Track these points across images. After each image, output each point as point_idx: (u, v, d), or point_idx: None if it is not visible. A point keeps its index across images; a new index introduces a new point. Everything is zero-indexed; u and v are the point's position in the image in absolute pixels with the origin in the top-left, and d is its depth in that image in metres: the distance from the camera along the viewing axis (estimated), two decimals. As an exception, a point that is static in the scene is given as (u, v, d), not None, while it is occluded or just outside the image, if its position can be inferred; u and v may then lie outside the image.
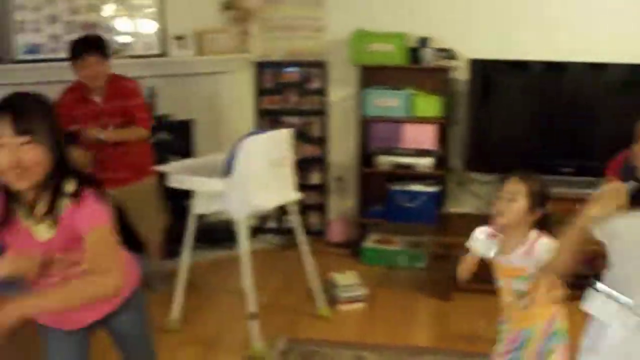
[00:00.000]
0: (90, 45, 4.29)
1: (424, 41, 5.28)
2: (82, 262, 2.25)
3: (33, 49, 5.00)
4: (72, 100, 4.38)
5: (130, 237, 4.30)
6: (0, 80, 4.79)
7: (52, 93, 4.96)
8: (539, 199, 2.87)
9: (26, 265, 2.18)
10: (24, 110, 2.10)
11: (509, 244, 2.90)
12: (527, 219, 2.85)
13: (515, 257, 2.87)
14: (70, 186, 2.19)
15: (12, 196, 2.19)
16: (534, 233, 2.86)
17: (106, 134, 4.39)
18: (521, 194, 2.83)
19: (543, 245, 2.79)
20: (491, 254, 2.95)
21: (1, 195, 2.21)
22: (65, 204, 2.19)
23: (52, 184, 2.17)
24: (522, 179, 2.87)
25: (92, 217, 2.20)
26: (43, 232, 2.20)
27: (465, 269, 3.04)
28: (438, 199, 5.35)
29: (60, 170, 2.18)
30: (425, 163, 5.28)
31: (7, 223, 2.21)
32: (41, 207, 2.19)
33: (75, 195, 2.19)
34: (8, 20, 4.90)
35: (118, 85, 4.46)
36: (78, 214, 2.18)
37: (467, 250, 3.08)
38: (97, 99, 4.43)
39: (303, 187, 4.97)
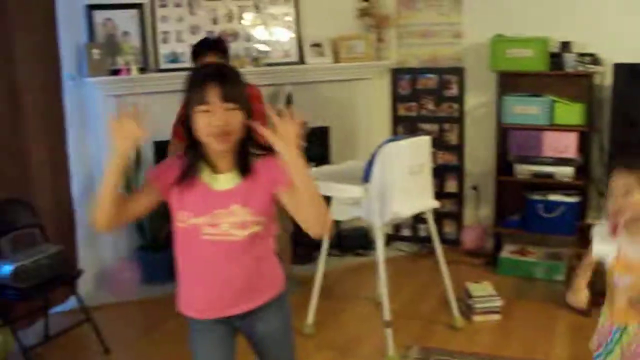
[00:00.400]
0: (209, 46, 4.47)
1: (565, 46, 5.13)
2: (249, 226, 2.35)
3: (175, 58, 5.19)
4: None
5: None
6: (145, 88, 5.01)
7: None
8: None
9: None
10: (232, 80, 2.31)
11: (637, 237, 2.65)
12: None
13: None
14: (256, 149, 2.39)
15: (196, 156, 2.35)
16: None
17: None
18: (634, 185, 2.60)
19: None
20: (614, 254, 2.71)
21: (181, 159, 2.38)
22: (254, 162, 2.36)
23: (242, 146, 2.35)
24: (629, 169, 2.62)
25: (281, 179, 2.31)
26: (225, 182, 2.35)
27: (582, 281, 2.87)
28: (578, 210, 5.17)
29: (249, 135, 2.35)
30: (565, 172, 5.12)
31: (186, 180, 2.35)
32: (227, 163, 2.36)
33: (264, 154, 2.37)
34: (154, 31, 5.11)
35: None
36: (275, 169, 2.32)
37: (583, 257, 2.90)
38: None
39: (438, 194, 4.93)
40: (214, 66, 2.40)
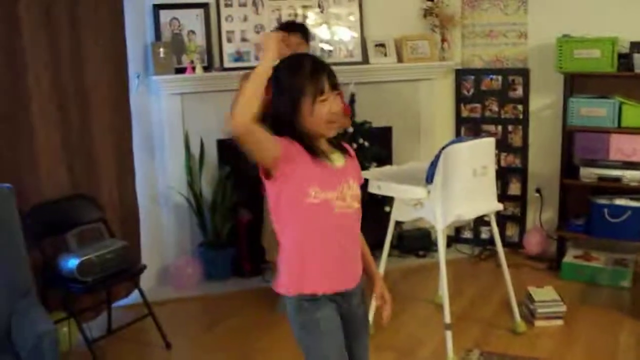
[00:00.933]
0: (294, 26, 4.58)
1: (635, 46, 5.00)
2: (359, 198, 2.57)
3: (240, 56, 5.24)
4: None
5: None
6: (210, 87, 5.06)
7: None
8: None
9: None
10: (332, 69, 2.47)
11: None
12: None
13: None
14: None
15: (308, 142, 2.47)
16: None
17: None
18: None
19: None
20: None
21: (296, 143, 2.46)
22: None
23: None
24: None
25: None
26: (337, 160, 2.52)
27: None
28: (646, 215, 5.06)
29: None
30: (633, 176, 5.00)
31: (315, 157, 2.46)
32: (323, 144, 2.51)
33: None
34: (219, 30, 5.16)
35: None
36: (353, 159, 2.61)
37: None
38: None
39: (501, 197, 4.87)
40: (312, 56, 2.57)
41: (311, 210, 2.44)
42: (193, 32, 5.11)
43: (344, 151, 2.58)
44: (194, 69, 5.01)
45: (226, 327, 4.58)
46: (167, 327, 4.35)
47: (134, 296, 4.52)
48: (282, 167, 2.38)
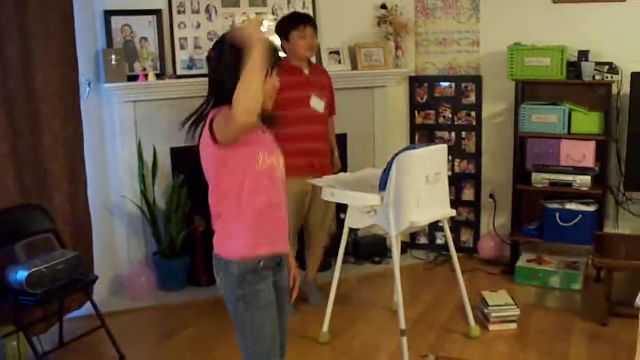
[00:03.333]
0: (309, 18, 4.65)
1: (583, 55, 5.10)
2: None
3: (193, 64, 5.21)
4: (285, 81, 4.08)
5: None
6: (162, 95, 5.03)
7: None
8: None
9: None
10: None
11: None
12: None
13: None
14: None
15: None
16: None
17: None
18: None
19: None
20: None
21: None
22: None
23: None
24: None
25: None
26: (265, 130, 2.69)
27: None
28: (596, 219, 5.14)
29: None
30: (583, 181, 5.09)
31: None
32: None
33: None
34: (172, 38, 5.14)
35: (317, 65, 4.91)
36: None
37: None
38: (305, 71, 4.68)
39: (455, 203, 4.91)
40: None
41: (257, 175, 2.55)
42: (145, 39, 5.07)
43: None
44: (146, 76, 4.96)
45: (182, 338, 4.54)
46: (121, 339, 4.28)
47: (87, 308, 4.44)
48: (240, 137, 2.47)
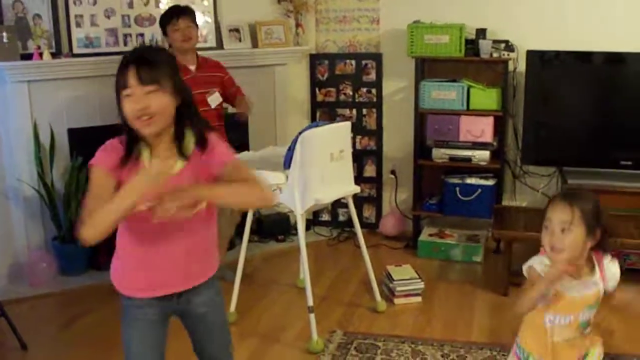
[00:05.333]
0: (183, 10, 4.65)
1: (481, 33, 5.21)
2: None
3: (90, 42, 5.06)
4: None
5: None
6: (59, 74, 4.87)
7: (109, 86, 5.06)
8: (594, 217, 2.45)
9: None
10: (150, 62, 2.26)
11: (578, 274, 2.50)
12: (587, 244, 2.46)
13: (589, 284, 2.51)
14: (194, 130, 2.38)
15: (137, 140, 2.32)
16: (598, 254, 2.53)
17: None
18: (575, 222, 2.41)
19: (610, 265, 2.53)
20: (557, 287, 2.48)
21: (123, 141, 2.34)
22: (192, 146, 2.36)
23: (178, 128, 2.35)
24: (570, 203, 2.43)
25: (223, 155, 2.39)
26: (170, 167, 2.34)
27: (528, 302, 2.50)
28: (494, 193, 5.29)
29: (185, 116, 2.35)
30: (481, 156, 5.22)
31: (129, 163, 2.32)
32: (166, 148, 2.34)
33: (202, 138, 2.38)
34: (67, 15, 4.97)
35: (207, 59, 4.80)
36: (207, 155, 2.36)
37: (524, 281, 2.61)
38: (191, 67, 4.65)
39: (357, 179, 4.95)
40: (134, 49, 2.35)
41: (129, 218, 2.30)
42: (39, 15, 4.86)
43: (185, 156, 2.34)
44: (41, 55, 4.78)
45: (85, 323, 4.43)
46: (22, 327, 4.14)
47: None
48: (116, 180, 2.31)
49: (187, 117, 2.36)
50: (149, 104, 2.23)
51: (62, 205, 4.98)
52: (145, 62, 2.25)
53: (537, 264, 2.53)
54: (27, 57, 4.78)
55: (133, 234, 2.42)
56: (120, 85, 2.24)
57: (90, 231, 2.19)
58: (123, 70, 2.23)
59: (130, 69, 2.23)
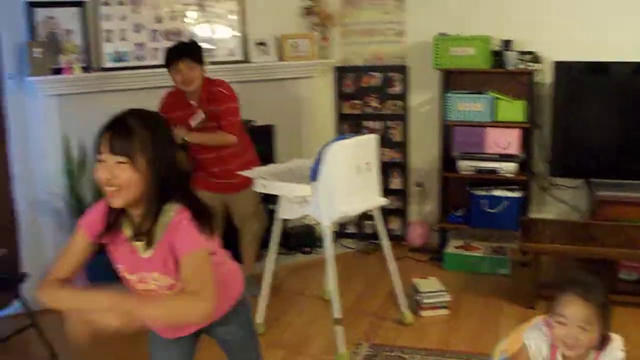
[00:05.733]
0: (182, 52, 4.41)
1: (507, 44, 5.22)
2: (176, 287, 2.26)
3: (119, 57, 5.13)
4: (171, 103, 4.52)
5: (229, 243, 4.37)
6: (88, 88, 4.93)
7: (137, 100, 5.11)
8: (606, 314, 2.34)
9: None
10: (125, 131, 2.12)
11: None
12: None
13: None
14: (170, 210, 2.21)
15: (120, 210, 2.23)
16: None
17: (190, 136, 4.41)
18: (592, 322, 2.31)
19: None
20: None
21: (101, 208, 2.27)
22: (163, 228, 2.20)
23: (152, 207, 2.19)
24: (587, 299, 2.31)
25: (188, 241, 2.18)
26: (142, 250, 2.24)
27: None
28: (521, 205, 5.27)
29: (162, 193, 2.18)
30: (508, 168, 5.21)
31: (112, 233, 2.26)
32: (142, 227, 2.22)
33: (174, 219, 2.20)
34: (97, 30, 5.04)
35: (213, 90, 4.51)
36: (175, 237, 2.18)
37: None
38: (193, 103, 4.53)
39: (383, 191, 4.95)
40: (118, 114, 2.19)
41: (122, 279, 2.36)
42: (70, 31, 4.95)
43: (151, 242, 2.22)
44: (71, 69, 4.86)
45: (113, 335, 4.45)
46: (52, 337, 4.20)
47: (16, 306, 4.36)
48: (99, 242, 2.31)
49: (167, 193, 2.20)
50: (117, 175, 2.10)
51: (92, 217, 5.02)
52: (122, 130, 2.12)
53: (533, 340, 2.49)
54: (58, 71, 4.85)
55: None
56: (96, 149, 2.15)
57: (44, 297, 2.23)
58: (101, 133, 2.14)
59: (105, 135, 2.12)
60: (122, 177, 2.10)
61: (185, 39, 4.99)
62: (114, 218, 2.25)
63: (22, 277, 4.21)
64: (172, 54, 4.43)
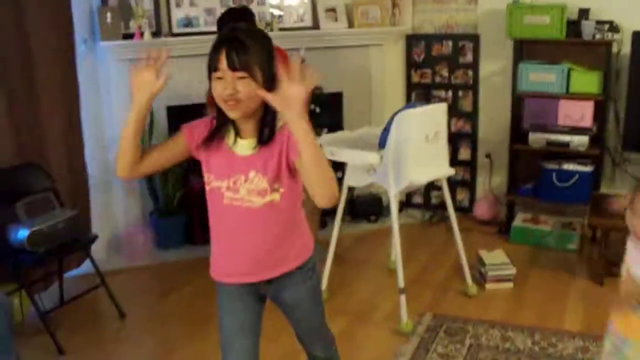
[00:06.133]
0: (234, 16, 4.39)
1: (584, 13, 5.07)
2: (267, 195, 2.35)
3: (189, 22, 5.16)
4: None
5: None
6: (159, 53, 4.96)
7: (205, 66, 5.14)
8: None
9: None
10: (242, 46, 2.21)
11: None
12: None
13: None
14: (279, 121, 2.32)
15: (226, 121, 2.34)
16: None
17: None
18: None
19: None
20: None
21: (208, 121, 2.41)
22: (272, 134, 2.32)
23: (263, 115, 2.32)
24: None
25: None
26: (245, 148, 2.34)
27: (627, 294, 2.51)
28: (592, 179, 5.15)
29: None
30: (580, 141, 5.08)
31: (212, 142, 2.37)
32: (249, 131, 2.34)
33: (283, 128, 2.30)
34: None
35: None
36: (290, 139, 2.24)
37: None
38: None
39: (451, 162, 4.90)
40: (231, 31, 2.29)
41: (208, 196, 2.42)
42: (141, -5, 5.01)
43: (262, 140, 2.32)
44: (142, 34, 4.91)
45: (180, 295, 4.56)
46: (121, 297, 4.32)
47: (86, 266, 4.47)
48: (195, 152, 2.39)
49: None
50: (238, 90, 2.21)
51: (160, 180, 5.11)
52: (238, 46, 2.21)
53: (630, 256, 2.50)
54: (129, 36, 4.91)
55: (214, 216, 2.45)
56: (212, 67, 2.23)
57: (118, 160, 2.35)
58: (215, 50, 2.22)
59: (222, 52, 2.21)
60: (243, 91, 2.22)
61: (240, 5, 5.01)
62: (221, 127, 2.37)
63: (93, 238, 4.31)
64: (223, 19, 4.41)
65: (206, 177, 2.40)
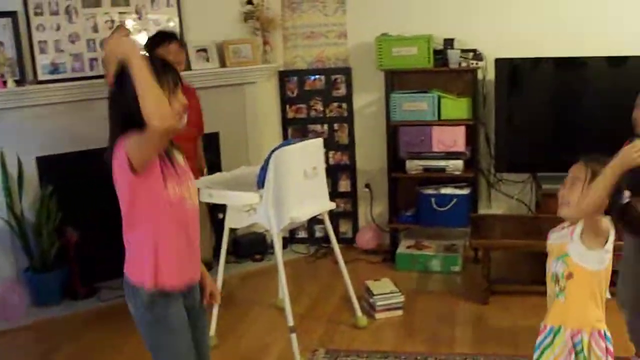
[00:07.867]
0: (172, 35, 4.60)
1: (449, 42, 5.23)
2: None
3: (55, 68, 4.99)
4: None
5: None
6: (25, 102, 4.80)
7: (76, 112, 4.99)
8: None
9: None
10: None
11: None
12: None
13: (564, 235, 2.70)
14: None
15: None
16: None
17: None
18: (581, 179, 2.59)
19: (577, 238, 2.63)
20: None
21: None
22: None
23: None
24: (585, 163, 2.63)
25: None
26: (178, 157, 2.62)
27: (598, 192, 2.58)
28: (470, 201, 5.29)
29: None
30: (455, 166, 5.22)
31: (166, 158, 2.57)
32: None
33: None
34: (30, 41, 4.89)
35: (189, 88, 4.54)
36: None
37: None
38: None
39: (332, 194, 4.93)
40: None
41: (168, 205, 2.48)
42: (1, 43, 4.80)
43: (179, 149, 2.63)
44: (5, 83, 4.71)
45: (63, 355, 4.33)
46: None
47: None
48: (151, 162, 2.42)
49: None
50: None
51: (33, 234, 4.89)
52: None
53: None
54: (-9, 85, 4.71)
55: (168, 223, 2.51)
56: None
57: (156, 110, 2.27)
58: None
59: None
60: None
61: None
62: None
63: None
64: (164, 35, 4.56)
65: (170, 187, 2.51)
